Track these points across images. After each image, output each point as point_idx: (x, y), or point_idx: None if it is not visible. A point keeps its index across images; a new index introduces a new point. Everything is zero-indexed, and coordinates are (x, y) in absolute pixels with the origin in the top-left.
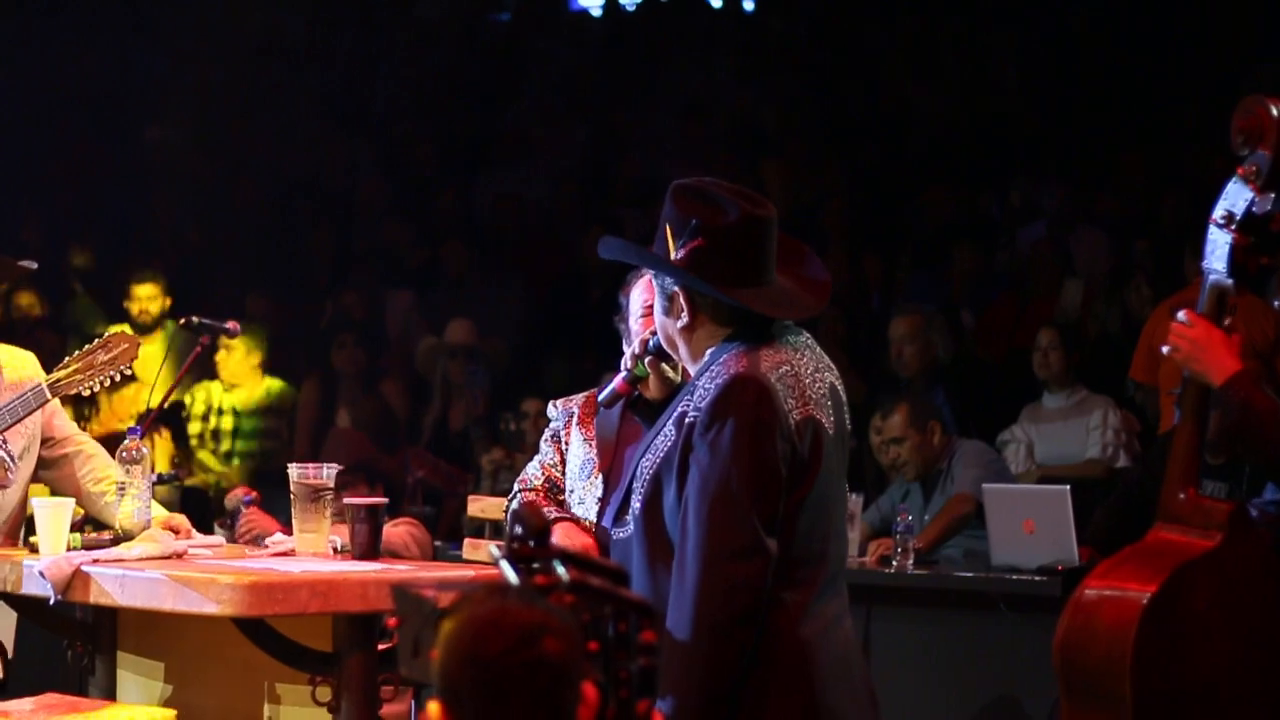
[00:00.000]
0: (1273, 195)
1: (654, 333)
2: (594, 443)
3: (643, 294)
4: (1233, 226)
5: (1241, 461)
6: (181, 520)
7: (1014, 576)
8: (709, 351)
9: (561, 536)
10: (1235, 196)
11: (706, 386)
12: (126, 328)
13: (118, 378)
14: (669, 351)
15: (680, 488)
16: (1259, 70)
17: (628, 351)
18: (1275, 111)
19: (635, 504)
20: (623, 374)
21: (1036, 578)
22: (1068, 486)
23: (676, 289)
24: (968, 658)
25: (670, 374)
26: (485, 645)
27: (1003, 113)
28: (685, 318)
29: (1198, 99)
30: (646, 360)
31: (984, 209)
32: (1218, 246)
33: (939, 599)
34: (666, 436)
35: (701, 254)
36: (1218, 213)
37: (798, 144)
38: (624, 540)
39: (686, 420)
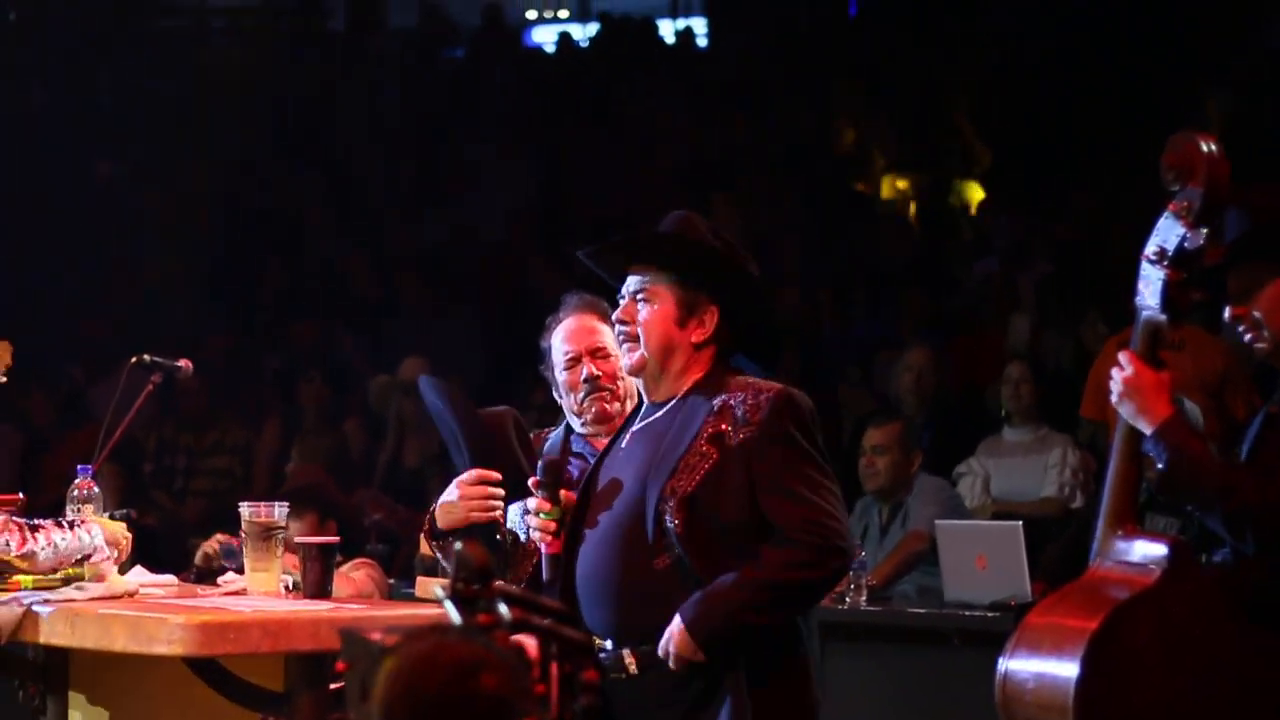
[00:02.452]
0: (1204, 230)
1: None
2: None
3: (567, 343)
4: (1165, 262)
5: None
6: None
7: (967, 612)
8: (695, 379)
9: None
10: (1167, 232)
11: (748, 403)
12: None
13: None
14: (654, 363)
15: (745, 499)
16: (1209, 103)
17: (529, 520)
18: (1205, 147)
19: (672, 526)
20: (545, 548)
21: (989, 613)
22: (1020, 522)
23: (714, 306)
24: (921, 693)
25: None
26: (423, 681)
27: (955, 147)
28: (703, 333)
29: (1149, 131)
30: (545, 495)
31: (937, 243)
32: (1150, 283)
33: (892, 635)
34: (702, 456)
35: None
36: (1150, 249)
37: (750, 177)
38: (663, 572)
39: (737, 439)
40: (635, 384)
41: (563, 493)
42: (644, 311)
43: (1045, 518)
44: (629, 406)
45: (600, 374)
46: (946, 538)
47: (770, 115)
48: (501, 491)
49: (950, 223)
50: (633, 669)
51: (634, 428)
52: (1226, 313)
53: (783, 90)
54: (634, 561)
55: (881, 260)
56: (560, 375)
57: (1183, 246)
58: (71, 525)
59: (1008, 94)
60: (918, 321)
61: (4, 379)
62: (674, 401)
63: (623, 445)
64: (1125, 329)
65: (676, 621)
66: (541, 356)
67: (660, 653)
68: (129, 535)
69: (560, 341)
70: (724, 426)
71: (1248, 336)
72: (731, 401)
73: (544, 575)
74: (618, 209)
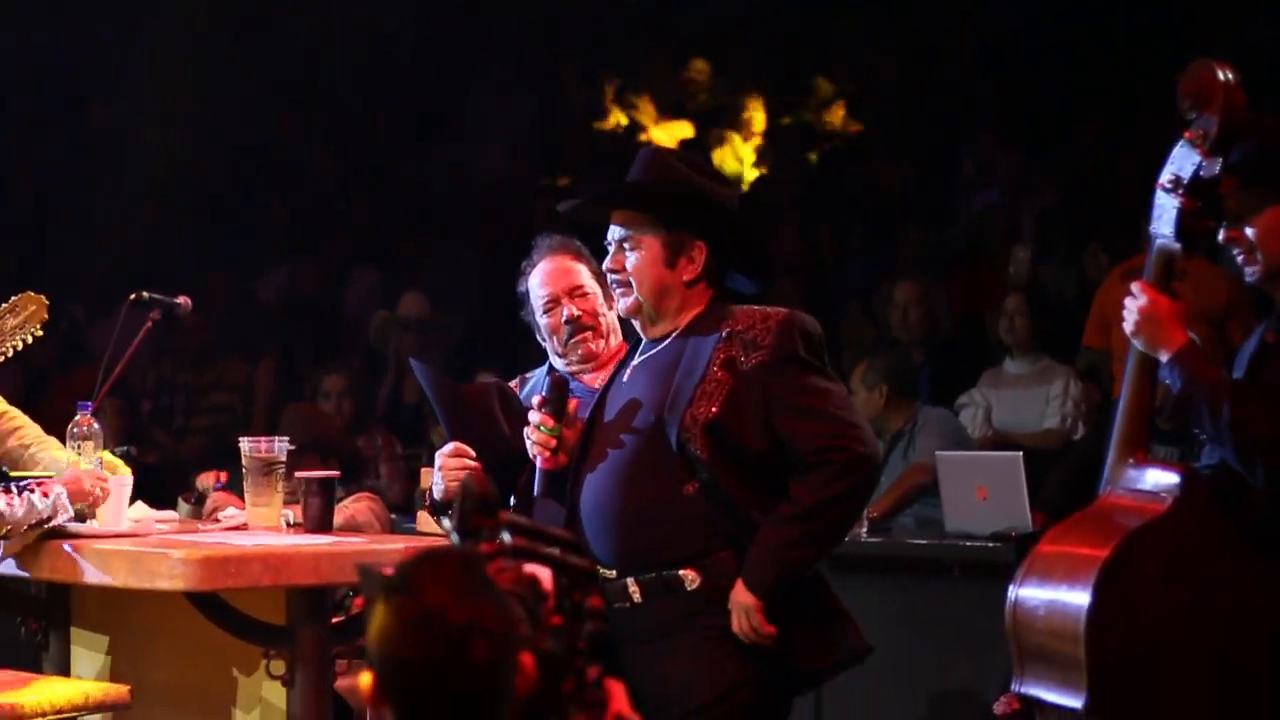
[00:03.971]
0: (1220, 159)
1: (551, 391)
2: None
3: (544, 287)
4: (1180, 191)
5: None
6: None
7: (967, 543)
8: (694, 314)
9: None
10: (1182, 161)
11: (756, 328)
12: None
13: (29, 340)
14: (649, 305)
15: (764, 423)
16: (1214, 38)
17: (528, 434)
18: (1221, 75)
19: (698, 454)
20: (540, 463)
21: (990, 544)
22: (1020, 453)
23: (699, 241)
24: (922, 624)
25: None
26: (412, 650)
27: (957, 79)
28: (694, 269)
29: (1152, 63)
30: (549, 411)
31: (938, 176)
32: (1165, 211)
33: (893, 566)
34: (719, 383)
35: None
36: (1165, 177)
37: (750, 113)
38: (693, 497)
39: (749, 364)
40: (615, 320)
41: (571, 404)
42: (632, 258)
43: (1046, 449)
44: (613, 342)
45: (581, 313)
46: (947, 468)
47: (771, 50)
48: (475, 462)
49: (950, 155)
50: (636, 598)
51: (634, 362)
52: (1221, 235)
53: (783, 24)
54: (656, 489)
55: (881, 194)
56: (541, 319)
57: (1198, 175)
58: (21, 490)
59: (1011, 24)
60: (918, 255)
61: (40, 333)
62: (675, 335)
63: (624, 379)
64: (1128, 259)
65: (738, 586)
66: (521, 301)
67: (736, 628)
68: (105, 487)
69: (537, 285)
70: (735, 353)
71: (1240, 259)
72: (739, 328)
73: (535, 490)
74: (618, 147)
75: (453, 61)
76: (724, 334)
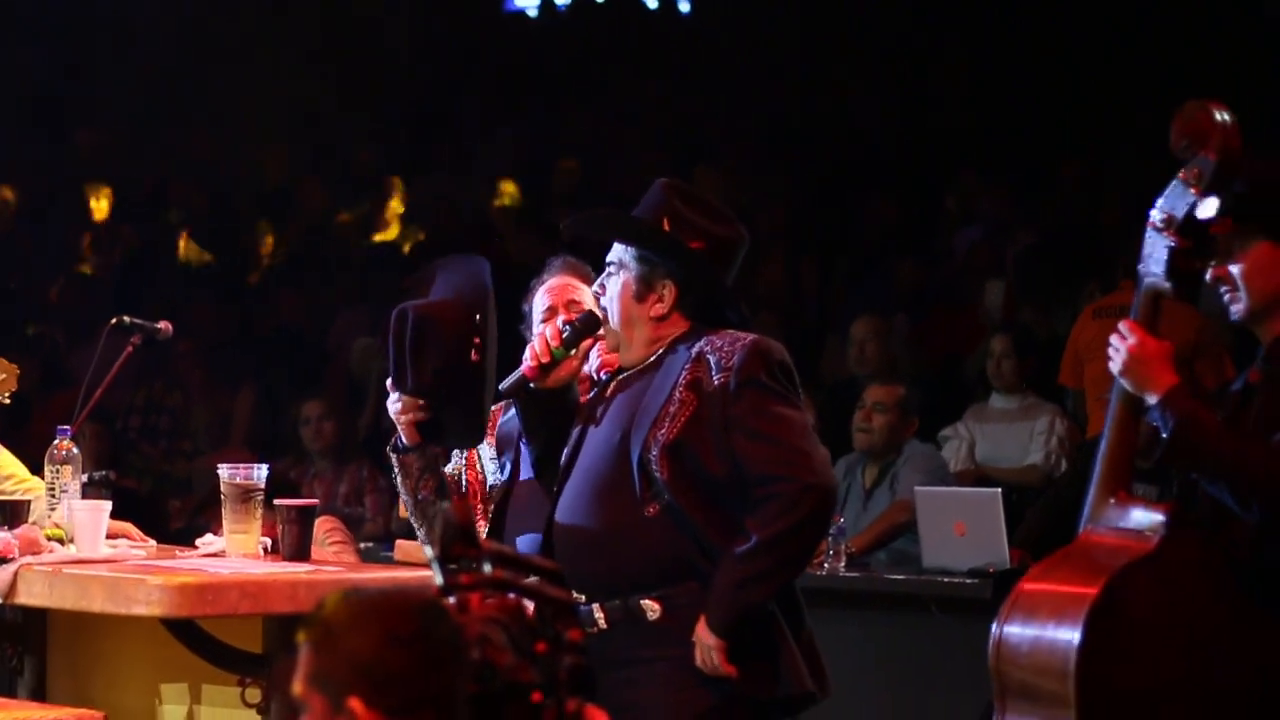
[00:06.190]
0: (1216, 199)
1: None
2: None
3: (545, 298)
4: (1172, 230)
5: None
6: (128, 528)
7: (945, 579)
8: (669, 340)
9: None
10: (1175, 200)
11: (723, 351)
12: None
13: None
14: (619, 333)
15: (725, 447)
16: (1197, 80)
17: (535, 337)
18: (1219, 116)
19: (659, 474)
20: (525, 364)
21: (968, 580)
22: (999, 489)
23: (669, 279)
24: (899, 660)
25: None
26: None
27: (941, 117)
28: (662, 308)
29: (1135, 103)
30: (565, 333)
31: (921, 214)
32: (1155, 250)
33: (870, 601)
34: (682, 404)
35: (701, 255)
36: (1156, 216)
37: (734, 149)
38: (654, 519)
39: (712, 386)
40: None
41: (584, 345)
42: (611, 285)
43: (1028, 485)
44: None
45: None
46: (925, 503)
47: (754, 85)
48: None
49: (935, 193)
50: (602, 624)
51: (615, 384)
52: (1209, 273)
53: (767, 60)
54: (622, 512)
55: (866, 233)
56: (537, 329)
57: (1192, 215)
58: None
59: (995, 63)
60: (901, 291)
61: (7, 401)
62: (652, 358)
63: (604, 402)
64: (1102, 297)
65: (701, 622)
66: (523, 318)
67: (699, 663)
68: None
69: (539, 297)
70: (701, 374)
71: (1226, 297)
72: (707, 349)
73: (502, 384)
74: (601, 179)
75: (441, 92)
76: (693, 354)
